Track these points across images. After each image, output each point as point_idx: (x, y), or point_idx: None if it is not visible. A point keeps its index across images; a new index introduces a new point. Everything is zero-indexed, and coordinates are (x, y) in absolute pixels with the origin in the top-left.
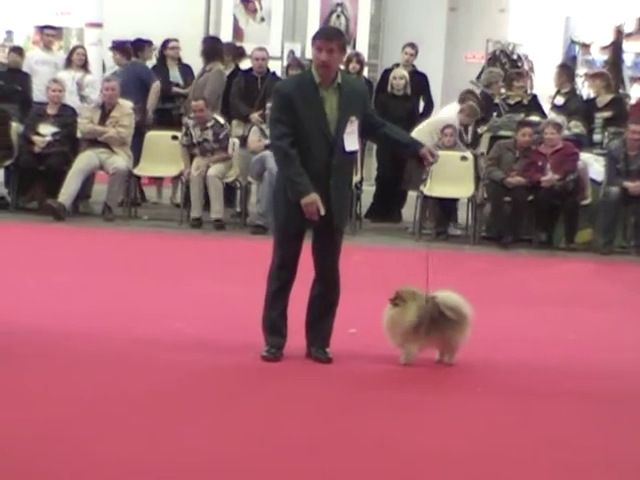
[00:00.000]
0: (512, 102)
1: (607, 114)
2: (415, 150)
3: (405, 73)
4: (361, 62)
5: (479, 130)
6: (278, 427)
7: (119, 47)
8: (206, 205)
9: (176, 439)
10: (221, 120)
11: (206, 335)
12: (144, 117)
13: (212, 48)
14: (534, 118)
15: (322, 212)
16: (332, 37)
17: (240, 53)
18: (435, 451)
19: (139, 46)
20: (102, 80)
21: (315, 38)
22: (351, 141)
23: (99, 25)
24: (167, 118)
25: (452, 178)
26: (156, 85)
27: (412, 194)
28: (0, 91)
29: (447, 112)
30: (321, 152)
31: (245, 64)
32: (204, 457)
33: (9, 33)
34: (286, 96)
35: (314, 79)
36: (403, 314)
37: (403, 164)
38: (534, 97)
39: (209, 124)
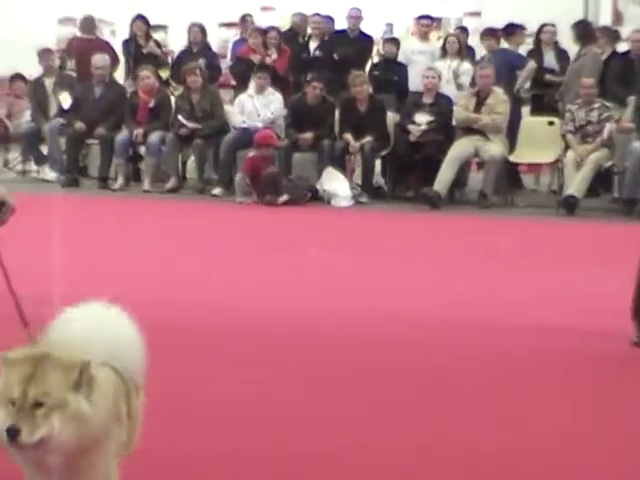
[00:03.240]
0: None
1: None
2: None
3: None
4: None
5: None
6: None
7: (488, 33)
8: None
9: (546, 428)
10: (607, 103)
11: (574, 322)
12: (516, 103)
13: (585, 31)
14: None
15: None
16: None
17: (615, 37)
18: None
19: (510, 31)
20: (476, 67)
21: None
22: None
23: (478, 14)
24: (540, 104)
25: None
26: (530, 65)
27: None
28: (376, 81)
29: None
30: None
31: (622, 47)
32: (580, 443)
33: (389, 25)
34: None
35: None
36: None
37: None
38: None
39: (595, 105)
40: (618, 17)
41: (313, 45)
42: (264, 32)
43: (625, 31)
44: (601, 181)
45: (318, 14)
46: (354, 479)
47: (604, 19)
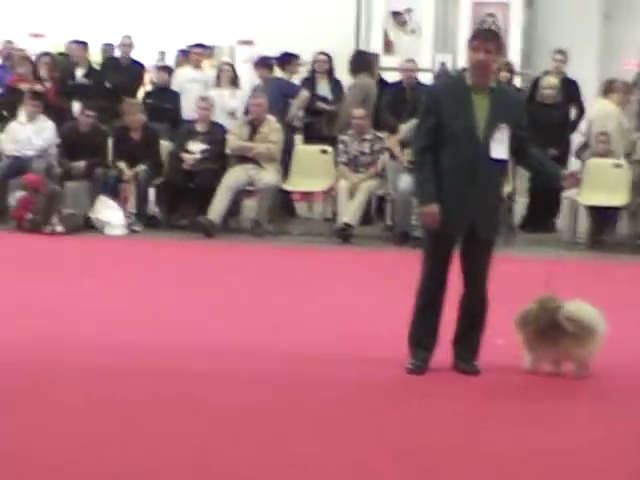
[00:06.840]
0: None
1: None
2: (556, 175)
3: (554, 81)
4: (511, 71)
5: (633, 137)
6: (423, 440)
7: (261, 62)
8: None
9: (317, 453)
10: (379, 134)
11: (351, 349)
12: (289, 131)
13: (356, 61)
14: None
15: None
16: (489, 38)
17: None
18: (595, 466)
19: (285, 60)
20: (249, 97)
21: (472, 39)
22: (499, 148)
23: (250, 42)
24: (310, 132)
25: (606, 186)
26: (303, 94)
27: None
28: (150, 110)
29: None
30: (467, 155)
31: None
32: (348, 472)
33: (162, 54)
34: (434, 97)
35: (466, 81)
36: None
37: None
38: None
39: (367, 136)
40: (389, 46)
41: (81, 73)
42: (33, 59)
43: (395, 60)
44: (374, 209)
45: (77, 41)
46: None
47: (375, 48)
